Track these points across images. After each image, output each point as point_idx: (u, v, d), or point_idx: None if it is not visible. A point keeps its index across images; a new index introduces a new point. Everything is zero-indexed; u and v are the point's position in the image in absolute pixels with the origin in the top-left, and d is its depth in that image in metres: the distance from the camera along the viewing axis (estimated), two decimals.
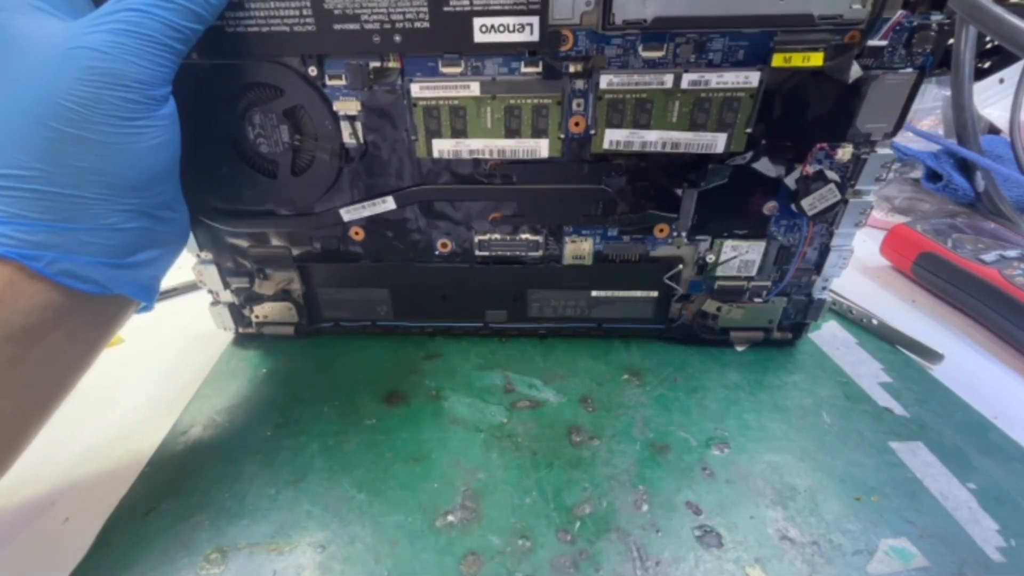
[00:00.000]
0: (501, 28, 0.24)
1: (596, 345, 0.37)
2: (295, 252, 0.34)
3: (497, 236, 0.32)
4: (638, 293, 0.35)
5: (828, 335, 0.38)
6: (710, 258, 0.32)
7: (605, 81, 0.26)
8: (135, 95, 0.21)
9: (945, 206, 0.52)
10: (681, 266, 0.33)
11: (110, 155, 0.21)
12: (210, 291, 0.36)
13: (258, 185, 0.30)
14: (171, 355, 0.37)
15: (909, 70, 0.26)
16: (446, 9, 0.24)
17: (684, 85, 0.26)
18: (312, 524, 0.26)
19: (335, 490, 0.27)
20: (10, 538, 0.26)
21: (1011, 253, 0.40)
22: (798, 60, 0.25)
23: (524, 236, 0.32)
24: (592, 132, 0.28)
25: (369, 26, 0.25)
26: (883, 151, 0.28)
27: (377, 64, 0.26)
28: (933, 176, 0.52)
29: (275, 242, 0.33)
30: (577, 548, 0.25)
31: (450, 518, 0.26)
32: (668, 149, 0.28)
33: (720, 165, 0.29)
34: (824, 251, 0.32)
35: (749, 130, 0.27)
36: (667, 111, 0.27)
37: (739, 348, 0.36)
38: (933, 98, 0.55)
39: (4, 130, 0.20)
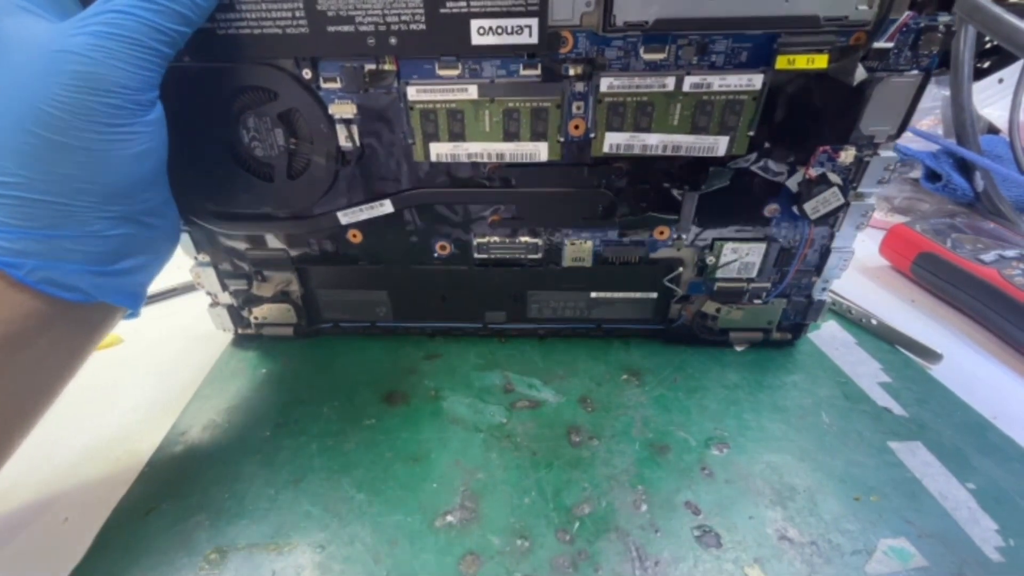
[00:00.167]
0: (499, 30, 0.24)
1: (595, 345, 0.37)
2: (293, 254, 0.33)
3: (496, 239, 0.32)
4: (638, 294, 0.35)
5: (827, 335, 0.38)
6: (710, 260, 0.32)
7: (605, 84, 0.26)
8: (119, 100, 0.21)
9: (944, 206, 0.52)
10: (681, 268, 0.33)
11: (94, 162, 0.21)
12: (208, 293, 0.36)
13: (254, 189, 0.30)
14: (170, 356, 0.37)
15: (915, 72, 0.25)
16: (443, 11, 0.24)
17: (686, 88, 0.26)
18: (311, 524, 0.26)
19: (334, 490, 0.27)
20: (10, 538, 0.26)
21: (1010, 253, 0.40)
22: (802, 62, 0.24)
23: (523, 239, 0.32)
24: (592, 135, 0.28)
25: (363, 28, 0.24)
26: (886, 153, 0.28)
27: (373, 67, 0.26)
28: (932, 176, 0.52)
29: (273, 244, 0.33)
30: (576, 548, 0.25)
31: (449, 518, 0.26)
32: (669, 152, 0.27)
33: (721, 168, 0.29)
34: (824, 253, 0.32)
35: (751, 133, 0.27)
36: (668, 114, 0.26)
37: (738, 348, 0.36)
38: (932, 98, 0.55)
39: None
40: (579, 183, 0.30)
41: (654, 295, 0.35)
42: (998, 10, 0.32)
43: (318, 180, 0.29)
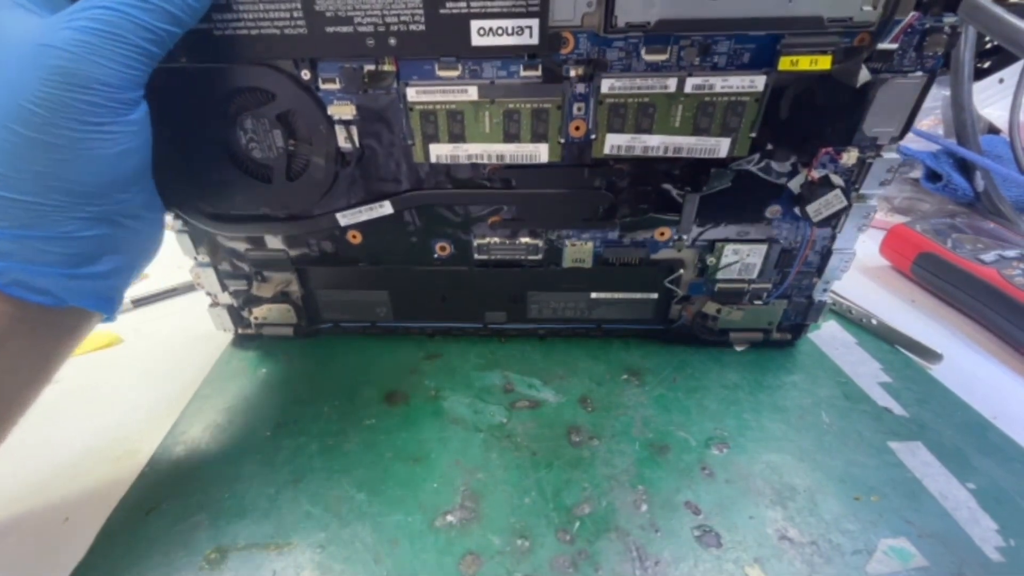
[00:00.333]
0: (499, 31, 0.24)
1: (596, 345, 0.37)
2: (293, 254, 0.33)
3: (496, 240, 0.32)
4: (638, 295, 0.35)
5: (827, 335, 0.38)
6: (711, 261, 0.32)
7: (607, 85, 0.26)
8: (100, 98, 0.20)
9: (944, 206, 0.52)
10: (682, 270, 0.33)
11: (71, 160, 0.20)
12: (208, 293, 0.36)
13: (252, 190, 0.30)
14: (171, 355, 0.37)
15: (919, 73, 0.25)
16: (442, 11, 0.24)
17: (688, 89, 0.25)
18: (311, 524, 0.26)
19: (335, 490, 0.27)
20: (10, 538, 0.26)
21: (1010, 253, 0.40)
22: (805, 63, 0.24)
23: (523, 240, 0.32)
24: (593, 136, 0.27)
25: (363, 29, 0.24)
26: (889, 155, 0.28)
27: (372, 67, 0.26)
28: (933, 176, 0.52)
29: (272, 245, 0.33)
30: (576, 548, 0.25)
31: (449, 518, 0.26)
32: (670, 154, 0.27)
33: (723, 169, 0.29)
34: (826, 254, 0.32)
35: (753, 134, 0.27)
36: (670, 115, 0.26)
37: (738, 348, 0.36)
38: (933, 98, 0.55)
39: None
40: (580, 184, 0.29)
41: (655, 296, 0.35)
42: (998, 10, 0.32)
43: (317, 181, 0.29)
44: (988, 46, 0.57)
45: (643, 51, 0.25)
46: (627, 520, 0.26)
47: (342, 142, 0.28)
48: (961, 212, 0.50)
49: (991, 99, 0.55)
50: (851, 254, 0.32)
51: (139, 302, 0.42)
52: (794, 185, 0.29)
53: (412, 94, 0.26)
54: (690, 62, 0.25)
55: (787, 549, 0.25)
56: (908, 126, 0.27)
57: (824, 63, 0.24)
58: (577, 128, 0.27)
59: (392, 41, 0.25)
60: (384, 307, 0.36)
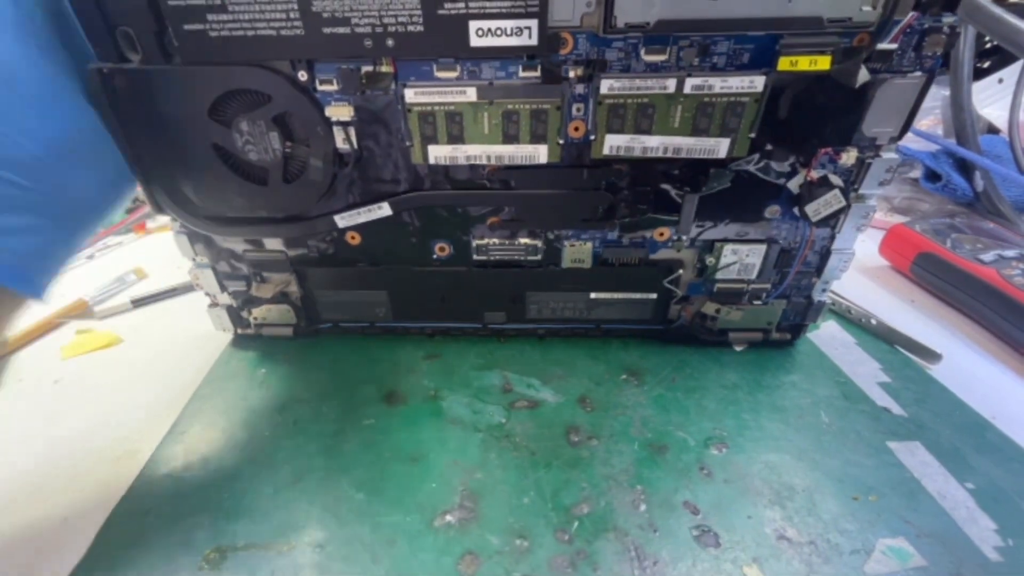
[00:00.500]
0: (498, 32, 0.24)
1: (595, 345, 0.37)
2: (291, 255, 0.33)
3: (495, 240, 0.32)
4: (637, 295, 0.35)
5: (827, 335, 0.38)
6: (710, 262, 0.32)
7: (606, 86, 0.26)
8: None
9: (944, 206, 0.52)
10: (681, 270, 0.33)
11: None
12: (207, 294, 0.36)
13: (249, 193, 0.30)
14: (170, 355, 0.37)
15: (918, 73, 0.25)
16: (441, 12, 0.24)
17: (687, 90, 0.26)
18: (310, 524, 0.26)
19: (333, 490, 0.28)
20: (9, 538, 0.26)
21: (1009, 253, 0.40)
22: (805, 64, 0.24)
23: (523, 240, 0.32)
24: (592, 137, 0.27)
25: (360, 29, 0.24)
26: (888, 155, 0.28)
27: (370, 69, 0.26)
28: (932, 176, 0.52)
29: (271, 246, 0.33)
30: (575, 548, 0.25)
31: (448, 518, 0.26)
32: (670, 154, 0.27)
33: (722, 169, 0.29)
34: (825, 254, 0.32)
35: (753, 135, 0.27)
36: (669, 116, 0.26)
37: (738, 348, 0.36)
38: (932, 98, 0.55)
39: None
40: (579, 185, 0.29)
41: (654, 296, 0.35)
42: (998, 10, 0.32)
43: (315, 183, 0.29)
44: (988, 46, 0.57)
45: (642, 52, 0.25)
46: (625, 520, 0.26)
47: (340, 143, 0.28)
48: (960, 212, 0.50)
49: (990, 99, 0.55)
50: (850, 254, 0.32)
51: (138, 302, 0.42)
52: (793, 185, 0.29)
53: (410, 95, 0.26)
54: (689, 62, 0.25)
55: (785, 549, 0.25)
56: (907, 126, 0.27)
57: (823, 63, 0.24)
58: (576, 129, 0.27)
59: (390, 42, 0.24)
60: (383, 307, 0.36)
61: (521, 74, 0.26)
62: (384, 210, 0.30)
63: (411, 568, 0.24)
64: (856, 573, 0.24)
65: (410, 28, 0.24)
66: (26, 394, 0.34)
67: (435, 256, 0.33)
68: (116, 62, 0.25)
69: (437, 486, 0.28)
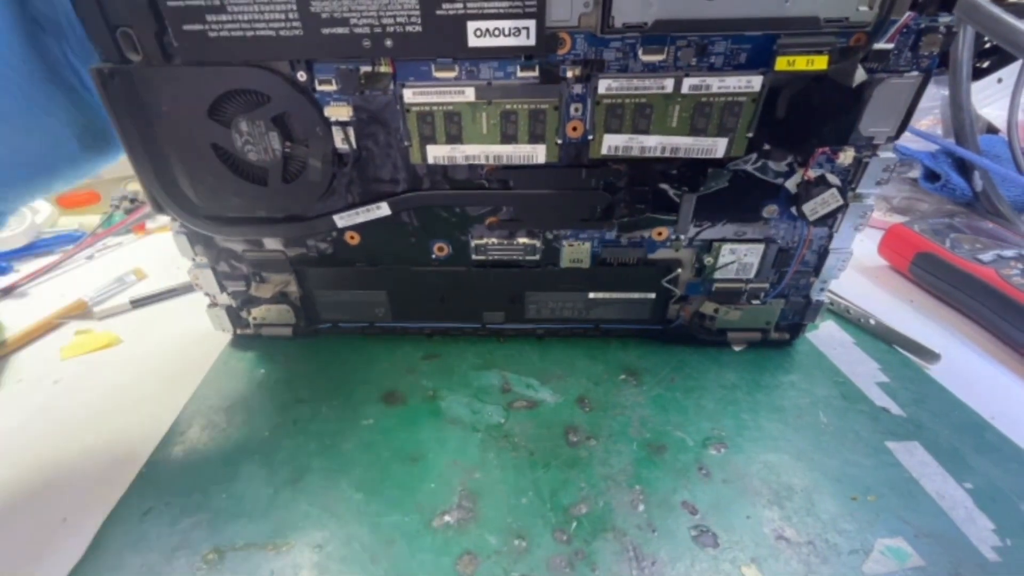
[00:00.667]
0: (496, 32, 0.24)
1: (593, 345, 0.37)
2: (291, 255, 0.34)
3: (494, 240, 0.32)
4: (636, 295, 0.35)
5: (826, 335, 0.38)
6: (708, 261, 0.32)
7: (604, 86, 0.26)
8: None
9: (943, 206, 0.52)
10: (679, 270, 0.33)
11: None
12: (207, 294, 0.36)
13: (248, 193, 0.30)
14: (169, 355, 0.37)
15: (915, 73, 0.25)
16: (439, 13, 0.24)
17: (685, 90, 0.26)
18: (309, 524, 0.26)
19: (332, 490, 0.28)
20: (9, 538, 0.26)
21: (1008, 253, 0.40)
22: (802, 63, 0.24)
23: (521, 240, 0.32)
24: (590, 137, 0.28)
25: (358, 30, 0.24)
26: (885, 155, 0.28)
27: (368, 69, 0.26)
28: (931, 176, 0.52)
29: (270, 246, 0.33)
30: (573, 548, 0.25)
31: (447, 518, 0.26)
32: (668, 154, 0.28)
33: (720, 169, 0.29)
34: (823, 254, 0.32)
35: (750, 134, 0.27)
36: (667, 116, 0.26)
37: (736, 348, 0.36)
38: (931, 98, 0.55)
39: None
40: (577, 185, 0.30)
41: (652, 296, 0.35)
42: (997, 10, 0.32)
43: (314, 183, 0.29)
44: (987, 46, 0.57)
45: (640, 52, 0.25)
46: (624, 520, 0.26)
47: (339, 144, 0.28)
48: (959, 212, 0.50)
49: (990, 99, 0.55)
50: (848, 253, 0.32)
51: (138, 303, 0.42)
52: (791, 185, 0.30)
53: (409, 95, 0.26)
54: (687, 63, 0.25)
55: (784, 549, 0.25)
56: (904, 126, 0.27)
57: (820, 63, 0.24)
58: (574, 129, 0.28)
59: (388, 42, 0.25)
60: (382, 307, 0.36)
61: (519, 74, 0.26)
62: (383, 210, 0.30)
63: (410, 568, 0.24)
64: (854, 573, 0.24)
65: (408, 28, 0.24)
66: (26, 394, 0.34)
67: (434, 256, 0.33)
68: (117, 62, 0.25)
69: (436, 486, 0.28)
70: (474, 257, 0.33)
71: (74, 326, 0.40)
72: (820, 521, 0.26)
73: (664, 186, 0.30)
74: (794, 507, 0.26)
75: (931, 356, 0.35)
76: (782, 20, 0.24)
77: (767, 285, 0.33)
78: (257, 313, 0.36)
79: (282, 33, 0.24)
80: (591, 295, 0.35)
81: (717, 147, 0.27)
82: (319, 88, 0.27)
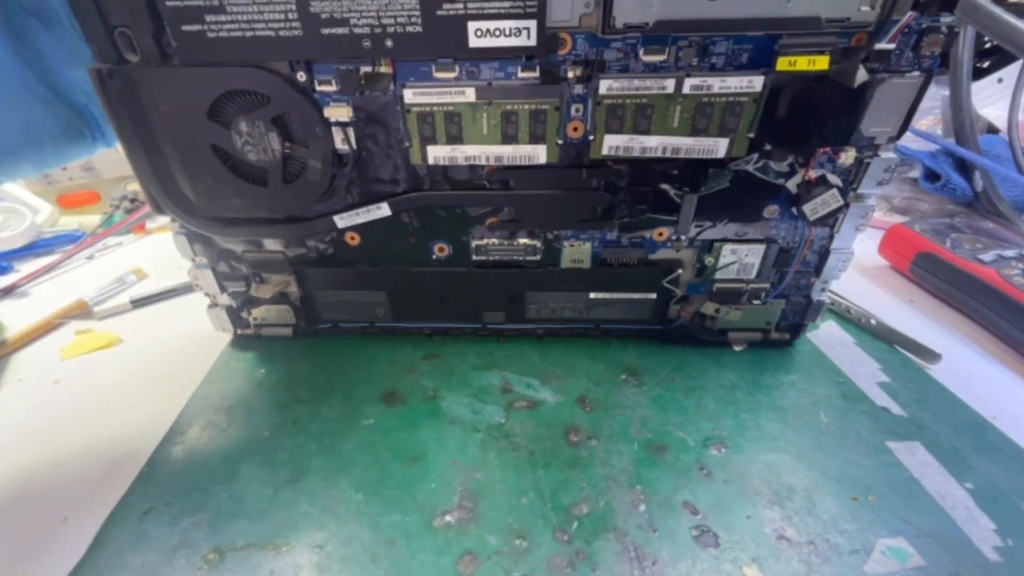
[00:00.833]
0: (497, 32, 0.24)
1: (594, 345, 0.37)
2: (291, 256, 0.33)
3: (494, 240, 0.32)
4: (636, 295, 0.35)
5: (826, 335, 0.38)
6: (709, 261, 0.32)
7: (605, 86, 0.26)
8: None
9: (943, 206, 0.52)
10: (680, 270, 0.33)
11: None
12: (207, 294, 0.36)
13: (248, 193, 0.30)
14: (170, 355, 0.37)
15: (916, 73, 0.25)
16: (439, 13, 0.24)
17: (686, 90, 0.26)
18: (310, 524, 0.26)
19: (333, 490, 0.28)
20: (9, 538, 0.26)
21: (1009, 253, 0.40)
22: (803, 63, 0.24)
23: (522, 241, 0.32)
24: (591, 137, 0.27)
25: (358, 30, 0.24)
26: (887, 155, 0.28)
27: (368, 69, 0.26)
28: (931, 176, 0.52)
29: (270, 246, 0.33)
30: (574, 548, 0.25)
31: (447, 518, 0.26)
32: (669, 154, 0.27)
33: (721, 169, 0.29)
34: (824, 254, 0.32)
35: (751, 135, 0.27)
36: (668, 116, 0.26)
37: (737, 348, 0.36)
38: (932, 98, 0.55)
39: None
40: (578, 185, 0.29)
41: (653, 296, 0.35)
42: (997, 10, 0.32)
43: (314, 184, 0.29)
44: (987, 46, 0.57)
45: (641, 52, 0.25)
46: (625, 520, 0.26)
47: (339, 144, 0.28)
48: (960, 212, 0.50)
49: (990, 99, 0.55)
50: (849, 254, 0.32)
51: (138, 303, 0.42)
52: (791, 185, 0.29)
53: (409, 96, 0.26)
54: (688, 63, 0.25)
55: (785, 549, 0.25)
56: (906, 126, 0.27)
57: (822, 63, 0.24)
58: (575, 129, 0.27)
59: (389, 43, 0.24)
60: (383, 308, 0.36)
61: (520, 74, 0.26)
62: (383, 210, 0.30)
63: (410, 568, 0.24)
64: (855, 573, 0.24)
65: (409, 29, 0.24)
66: (26, 394, 0.34)
67: (434, 256, 0.33)
68: (115, 63, 0.25)
69: (436, 486, 0.28)
70: (474, 257, 0.33)
71: (74, 326, 0.40)
72: (821, 521, 0.26)
73: (665, 186, 0.30)
74: (795, 507, 0.26)
75: (932, 356, 0.35)
76: (783, 20, 0.24)
77: (768, 285, 0.33)
78: (257, 313, 0.36)
79: (281, 33, 0.24)
80: (592, 295, 0.35)
81: (718, 147, 0.27)
82: (319, 88, 0.27)
